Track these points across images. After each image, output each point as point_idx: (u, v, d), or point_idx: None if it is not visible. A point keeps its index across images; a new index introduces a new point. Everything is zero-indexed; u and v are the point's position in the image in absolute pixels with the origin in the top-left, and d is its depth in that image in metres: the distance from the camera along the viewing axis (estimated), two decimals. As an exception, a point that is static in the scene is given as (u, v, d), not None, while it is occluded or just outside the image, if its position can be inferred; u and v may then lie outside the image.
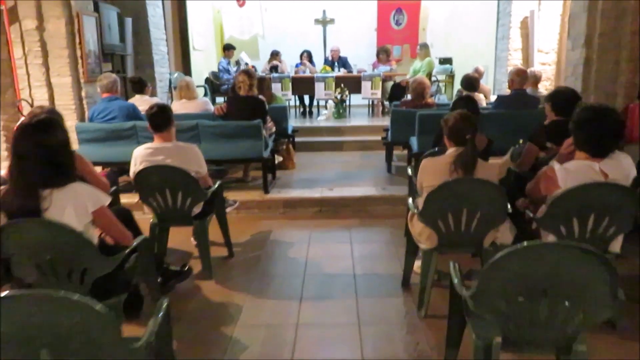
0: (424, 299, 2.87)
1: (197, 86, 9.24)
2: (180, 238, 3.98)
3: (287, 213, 4.90)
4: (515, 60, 7.76)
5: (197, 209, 3.40)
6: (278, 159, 6.02)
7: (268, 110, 5.72)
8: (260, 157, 4.92)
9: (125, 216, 2.69)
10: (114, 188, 3.50)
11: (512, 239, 3.01)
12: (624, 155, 2.49)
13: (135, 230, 2.65)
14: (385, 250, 3.94)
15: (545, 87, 7.11)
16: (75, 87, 5.59)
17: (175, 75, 8.30)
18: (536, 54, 7.50)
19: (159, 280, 2.90)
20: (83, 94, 5.66)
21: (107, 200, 2.20)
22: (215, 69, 9.58)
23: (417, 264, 3.23)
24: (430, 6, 11.14)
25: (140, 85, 5.72)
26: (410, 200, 3.10)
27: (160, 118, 3.31)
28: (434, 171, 2.72)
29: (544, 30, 7.46)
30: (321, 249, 3.98)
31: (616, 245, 2.58)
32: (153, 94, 7.26)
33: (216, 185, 3.59)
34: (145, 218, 3.54)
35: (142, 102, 5.44)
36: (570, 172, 2.46)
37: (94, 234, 2.20)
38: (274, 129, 5.92)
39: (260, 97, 5.42)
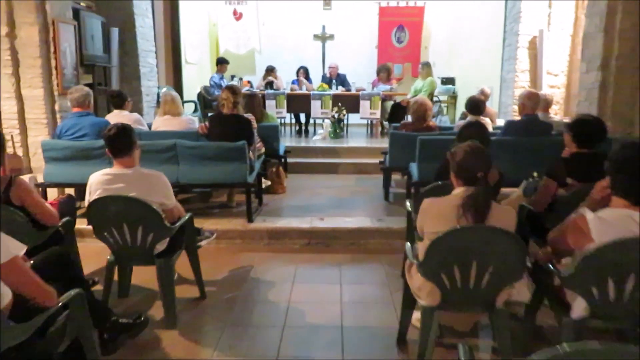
0: (424, 365, 2.39)
1: (188, 101, 8.95)
2: (150, 274, 3.49)
3: (272, 245, 4.42)
4: (523, 82, 7.35)
5: (161, 246, 2.93)
6: (266, 182, 5.56)
7: (257, 129, 5.29)
8: (244, 182, 4.46)
9: (61, 260, 2.22)
10: (65, 219, 3.03)
11: (529, 296, 2.53)
12: (672, 203, 2.03)
13: (74, 279, 2.18)
14: (379, 295, 3.45)
15: (554, 112, 6.68)
16: (48, 100, 5.15)
17: (164, 89, 7.88)
18: (545, 76, 7.09)
19: (105, 336, 2.40)
20: (56, 107, 5.22)
21: (20, 249, 1.72)
22: (208, 84, 9.17)
23: (416, 315, 2.75)
24: (433, 24, 10.78)
25: (119, 99, 5.27)
26: (408, 245, 2.63)
27: (121, 141, 2.86)
28: (438, 215, 2.25)
29: (553, 51, 7.06)
30: (306, 291, 3.50)
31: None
32: (138, 108, 6.85)
33: (186, 218, 3.12)
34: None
35: (120, 118, 4.98)
36: (607, 223, 1.99)
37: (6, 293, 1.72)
38: (262, 150, 5.48)
39: (248, 115, 4.98)
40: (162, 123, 5.30)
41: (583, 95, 5.40)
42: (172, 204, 3.01)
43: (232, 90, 4.68)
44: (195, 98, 9.03)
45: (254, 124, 5.14)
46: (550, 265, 2.28)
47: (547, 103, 5.57)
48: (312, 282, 3.68)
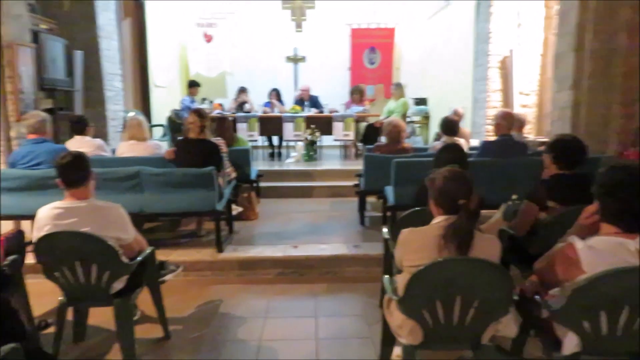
0: (406, 409, 2.19)
1: (157, 125, 8.69)
2: (110, 313, 3.23)
3: (243, 276, 4.19)
4: (495, 102, 7.36)
5: (119, 284, 2.68)
6: (237, 209, 5.34)
7: (227, 154, 5.10)
8: (212, 210, 4.23)
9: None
10: (12, 258, 2.76)
11: (516, 331, 2.37)
12: (662, 229, 1.90)
13: (10, 331, 1.92)
14: (357, 328, 3.25)
15: (527, 132, 6.67)
16: (3, 126, 4.86)
17: (131, 113, 7.61)
18: (516, 95, 7.11)
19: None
20: (12, 134, 4.93)
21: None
22: (178, 107, 8.94)
23: (397, 351, 2.57)
24: (404, 45, 10.82)
25: (80, 124, 5.00)
26: (386, 278, 2.45)
27: (74, 170, 2.62)
28: (418, 247, 2.09)
29: (524, 70, 7.10)
30: (279, 327, 3.27)
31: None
32: (103, 133, 6.57)
33: (147, 252, 2.88)
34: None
35: (81, 144, 4.74)
36: (598, 252, 1.86)
37: None
38: (233, 175, 5.27)
39: (217, 140, 4.78)
40: (126, 148, 5.05)
41: (556, 114, 5.38)
42: (131, 237, 2.77)
43: (199, 113, 4.48)
44: (164, 122, 8.78)
45: (224, 149, 4.94)
46: (538, 298, 2.13)
47: (521, 123, 5.54)
48: (285, 316, 3.46)
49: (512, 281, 2.01)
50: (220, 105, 9.31)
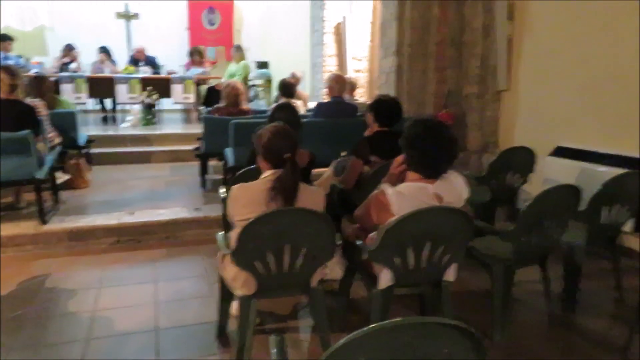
0: (244, 357, 2.29)
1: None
2: None
3: (73, 248, 3.90)
4: (331, 66, 7.71)
5: None
6: (64, 177, 4.89)
7: (49, 117, 4.60)
8: (31, 178, 3.83)
9: None
10: None
11: (341, 274, 2.61)
12: (456, 174, 2.23)
13: None
14: (197, 289, 3.27)
15: (360, 95, 7.14)
16: None
17: None
18: (350, 61, 7.52)
19: None
20: None
21: None
22: (-15, 65, 7.74)
23: (236, 305, 2.65)
24: (243, 7, 10.68)
25: None
26: (220, 235, 2.49)
27: None
28: (247, 201, 2.15)
29: (355, 37, 7.52)
30: (115, 296, 3.14)
31: (450, 274, 2.33)
32: None
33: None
34: None
35: None
36: (404, 196, 2.11)
37: None
38: (57, 140, 4.79)
39: (34, 101, 4.28)
40: None
41: (383, 78, 5.84)
42: None
43: (9, 70, 3.93)
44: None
45: (43, 112, 4.45)
46: (360, 242, 2.36)
47: (353, 86, 5.91)
48: (121, 284, 3.32)
49: (335, 228, 2.19)
50: (39, 63, 8.29)
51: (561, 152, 4.18)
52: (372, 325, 1.12)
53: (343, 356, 1.12)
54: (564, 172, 3.95)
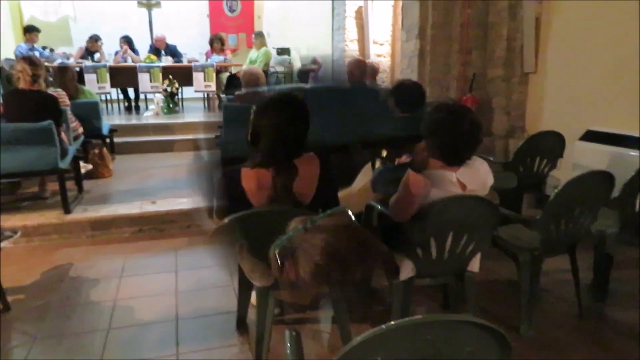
0: (262, 348, 2.27)
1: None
2: None
3: (96, 237, 3.93)
4: (353, 51, 7.58)
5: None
6: (87, 166, 4.94)
7: (72, 107, 4.65)
8: (54, 168, 3.86)
9: None
10: None
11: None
12: (481, 161, 2.14)
13: None
14: (218, 278, 3.25)
15: (382, 80, 7.02)
16: None
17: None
18: (372, 45, 7.38)
19: None
20: None
21: None
22: (11, 56, 7.85)
23: (255, 295, 2.62)
24: (264, -7, 10.60)
25: None
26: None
27: None
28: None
29: (377, 20, 7.37)
30: (136, 285, 3.16)
31: (474, 265, 2.25)
32: None
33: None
34: None
35: None
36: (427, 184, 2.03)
37: None
38: (80, 130, 4.86)
39: (56, 91, 4.32)
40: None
41: (405, 63, 5.70)
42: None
43: (30, 61, 3.96)
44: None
45: (66, 101, 4.50)
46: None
47: (374, 71, 5.78)
48: (143, 273, 3.34)
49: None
50: (64, 54, 8.39)
51: (591, 136, 4.01)
52: (391, 323, 1.07)
53: (361, 355, 1.07)
54: (595, 157, 3.79)
